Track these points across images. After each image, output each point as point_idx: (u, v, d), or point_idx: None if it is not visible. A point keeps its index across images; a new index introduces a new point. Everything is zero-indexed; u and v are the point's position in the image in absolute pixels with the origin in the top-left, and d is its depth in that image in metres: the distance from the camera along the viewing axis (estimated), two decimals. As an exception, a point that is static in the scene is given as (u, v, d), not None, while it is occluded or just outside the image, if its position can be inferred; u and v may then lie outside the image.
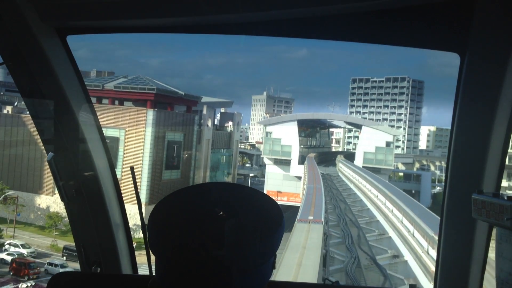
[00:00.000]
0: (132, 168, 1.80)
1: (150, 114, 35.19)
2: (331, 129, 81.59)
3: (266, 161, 55.11)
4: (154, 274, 0.92)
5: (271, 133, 54.46)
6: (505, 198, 1.23)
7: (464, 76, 1.44)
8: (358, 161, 51.92)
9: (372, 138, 49.94)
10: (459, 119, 1.49)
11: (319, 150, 70.13)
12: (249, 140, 74.04)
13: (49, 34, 1.66)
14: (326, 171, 52.73)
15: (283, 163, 53.23)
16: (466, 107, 1.48)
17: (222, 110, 53.17)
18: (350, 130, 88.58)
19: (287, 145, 53.16)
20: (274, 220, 0.88)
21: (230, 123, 50.40)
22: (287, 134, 53.09)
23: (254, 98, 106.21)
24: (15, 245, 27.30)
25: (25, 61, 1.67)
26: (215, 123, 50.50)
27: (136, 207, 1.72)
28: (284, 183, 48.73)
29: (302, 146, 57.77)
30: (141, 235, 1.65)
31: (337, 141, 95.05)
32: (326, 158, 66.41)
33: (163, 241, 0.85)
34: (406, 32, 1.52)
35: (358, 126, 59.24)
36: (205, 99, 45.52)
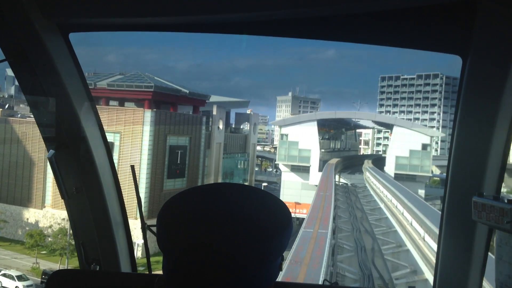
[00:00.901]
0: (132, 167, 2.08)
1: (148, 116, 34.84)
2: (359, 130, 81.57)
3: (281, 167, 55.16)
4: (153, 272, 1.08)
5: (286, 135, 54.29)
6: (506, 201, 1.41)
7: (466, 79, 1.63)
8: (389, 167, 51.19)
9: (406, 140, 48.39)
10: (460, 122, 1.69)
11: (345, 153, 69.92)
12: (274, 143, 76.49)
13: (51, 31, 1.86)
14: (352, 179, 52.23)
15: (301, 170, 53.07)
16: (468, 110, 1.67)
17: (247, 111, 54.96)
18: (379, 131, 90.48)
19: (305, 149, 52.97)
20: (282, 221, 0.99)
21: (247, 125, 51.16)
22: (306, 137, 53.05)
23: (279, 99, 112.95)
24: (10, 277, 25.28)
25: (27, 58, 1.88)
26: (230, 124, 51.40)
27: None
28: (302, 193, 48.07)
29: (323, 150, 57.41)
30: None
31: (366, 143, 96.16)
32: (353, 162, 65.61)
33: (172, 239, 0.96)
34: (407, 33, 1.72)
35: (388, 126, 58.51)
36: (214, 98, 45.85)
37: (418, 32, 1.70)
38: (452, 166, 1.75)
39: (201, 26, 1.89)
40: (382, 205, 33.48)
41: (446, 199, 1.80)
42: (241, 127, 52.09)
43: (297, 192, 50.37)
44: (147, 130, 34.53)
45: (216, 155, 42.70)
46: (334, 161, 54.00)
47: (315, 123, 53.77)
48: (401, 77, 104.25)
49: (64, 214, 30.58)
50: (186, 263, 0.94)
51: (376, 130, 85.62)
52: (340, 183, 50.42)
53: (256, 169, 62.47)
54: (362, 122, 68.72)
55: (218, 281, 0.92)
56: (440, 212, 1.65)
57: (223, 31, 1.89)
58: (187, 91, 39.49)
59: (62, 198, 2.12)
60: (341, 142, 70.23)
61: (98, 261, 2.20)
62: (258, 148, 72.16)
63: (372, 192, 39.28)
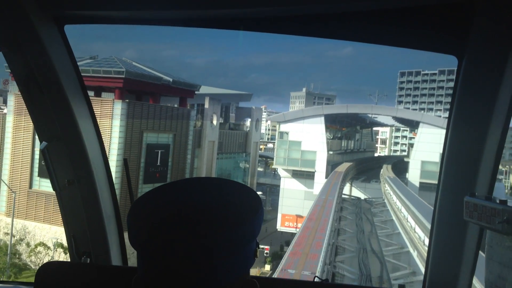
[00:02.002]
0: (125, 160, 2.55)
1: (118, 108, 33.48)
2: (375, 128, 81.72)
3: (281, 172, 55.07)
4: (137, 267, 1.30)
5: (287, 133, 54.07)
6: (497, 201, 1.72)
7: (461, 79, 1.99)
8: (414, 174, 50.50)
9: (434, 141, 43.94)
10: (454, 122, 2.05)
11: (359, 155, 69.26)
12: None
13: (47, 23, 2.21)
14: (366, 189, 51.19)
15: (305, 176, 52.78)
16: (462, 110, 2.02)
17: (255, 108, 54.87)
18: (397, 129, 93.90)
19: (309, 150, 52.69)
20: (251, 207, 1.20)
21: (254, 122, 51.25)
22: (310, 135, 52.72)
23: (293, 95, 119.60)
24: None
25: (22, 49, 2.23)
26: (230, 120, 51.60)
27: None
28: (306, 204, 46.85)
29: (332, 151, 56.83)
30: None
31: (383, 142, 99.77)
32: (369, 166, 64.77)
33: (140, 234, 1.15)
34: (404, 33, 2.07)
35: (413, 124, 57.39)
36: (207, 89, 45.70)
37: (415, 32, 2.04)
38: (445, 166, 2.11)
39: (201, 21, 2.25)
40: (408, 244, 26.20)
41: (438, 198, 2.18)
42: (242, 123, 52.29)
43: (299, 203, 49.83)
44: (116, 125, 33.52)
45: (208, 155, 42.45)
46: (344, 167, 52.73)
47: (322, 119, 53.42)
48: (422, 72, 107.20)
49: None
50: (155, 256, 1.13)
51: (394, 128, 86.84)
52: (351, 197, 48.98)
53: (260, 169, 63.12)
54: (380, 119, 67.97)
55: (189, 270, 1.11)
56: None
57: (224, 26, 2.25)
58: (170, 80, 38.45)
59: (54, 190, 2.52)
60: (355, 142, 69.38)
61: (89, 254, 2.58)
62: (270, 145, 73.70)
63: (393, 217, 33.00)
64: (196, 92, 42.05)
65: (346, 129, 64.48)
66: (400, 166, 61.41)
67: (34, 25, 2.14)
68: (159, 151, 36.69)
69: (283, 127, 54.42)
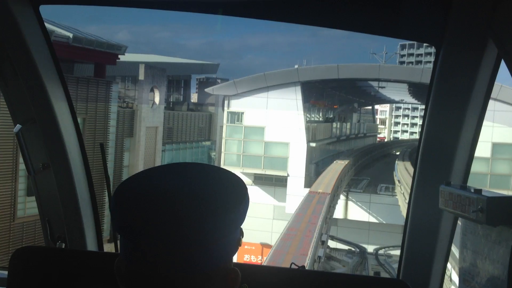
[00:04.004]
0: (101, 145, 3.58)
1: None
2: (377, 106, 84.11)
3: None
4: (119, 252, 1.70)
5: (241, 115, 50.61)
6: (472, 190, 2.43)
7: (439, 68, 2.87)
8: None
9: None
10: (431, 111, 2.95)
11: (358, 143, 67.65)
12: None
13: (21, 3, 3.05)
14: (373, 208, 46.45)
15: (274, 182, 49.50)
16: (439, 99, 2.91)
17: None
18: (398, 107, 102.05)
19: (278, 142, 49.08)
20: (236, 195, 1.62)
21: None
22: (279, 117, 48.68)
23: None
24: None
25: None
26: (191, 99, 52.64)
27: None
28: (276, 226, 43.86)
29: (317, 141, 52.55)
30: None
31: (382, 122, 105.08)
32: (372, 158, 62.87)
33: (123, 218, 1.55)
34: (382, 21, 2.98)
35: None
36: (145, 57, 46.32)
37: (393, 20, 2.94)
38: (421, 154, 3.03)
39: (179, 4, 3.14)
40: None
41: (414, 186, 3.11)
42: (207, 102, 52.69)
43: (264, 225, 45.07)
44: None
45: (147, 147, 41.21)
46: (333, 172, 47.41)
47: (298, 90, 49.14)
48: (425, 44, 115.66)
49: None
50: (138, 240, 1.54)
51: (394, 105, 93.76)
52: (349, 246, 44.46)
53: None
54: (387, 92, 62.61)
55: (173, 256, 1.52)
56: None
57: (204, 10, 3.15)
58: (70, 35, 34.06)
59: (29, 173, 3.47)
60: (352, 124, 66.83)
61: (64, 238, 3.52)
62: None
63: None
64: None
65: (339, 107, 62.22)
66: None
67: (8, 5, 2.97)
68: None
69: (235, 105, 51.06)
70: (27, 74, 3.21)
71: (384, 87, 57.26)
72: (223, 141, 51.91)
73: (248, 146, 50.49)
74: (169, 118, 46.39)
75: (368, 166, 59.66)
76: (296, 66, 50.07)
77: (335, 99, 59.62)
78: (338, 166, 50.10)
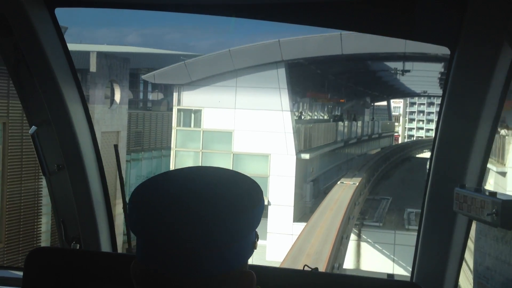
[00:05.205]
0: (115, 146, 4.91)
1: None
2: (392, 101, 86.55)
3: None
4: (134, 253, 2.22)
5: (197, 114, 48.50)
6: (487, 193, 3.16)
7: (454, 70, 3.69)
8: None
9: None
10: (445, 113, 3.83)
11: (372, 145, 71.43)
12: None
13: (37, 5, 4.11)
14: (403, 256, 37.88)
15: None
16: (454, 102, 3.77)
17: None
18: (413, 103, 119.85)
19: (254, 154, 46.19)
20: (251, 199, 2.14)
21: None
22: (255, 116, 45.55)
23: None
24: None
25: (11, 32, 4.17)
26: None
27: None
28: None
29: (312, 151, 49.99)
30: None
31: (396, 119, 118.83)
32: (392, 164, 64.76)
33: (140, 220, 2.06)
34: (396, 23, 3.93)
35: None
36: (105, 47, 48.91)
37: (407, 22, 3.92)
38: (436, 157, 4.03)
39: (192, 7, 4.34)
40: None
41: (428, 189, 4.12)
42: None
43: None
44: None
45: (104, 157, 39.80)
46: (332, 218, 39.13)
47: (281, 74, 45.89)
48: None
49: None
50: (153, 243, 2.04)
51: (408, 101, 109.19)
52: None
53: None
54: (410, 80, 61.28)
55: (187, 260, 2.00)
56: None
57: (217, 12, 4.26)
58: None
59: (44, 175, 4.71)
60: (363, 124, 69.11)
61: (78, 239, 4.84)
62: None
63: None
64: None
65: (347, 102, 64.30)
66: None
67: (24, 7, 4.03)
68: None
69: (188, 99, 48.71)
70: (42, 76, 4.34)
71: (409, 71, 54.50)
72: (172, 153, 49.64)
73: (209, 159, 46.99)
74: (138, 120, 49.21)
75: (387, 176, 60.73)
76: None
77: (341, 91, 60.39)
78: (344, 191, 46.05)
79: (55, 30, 4.27)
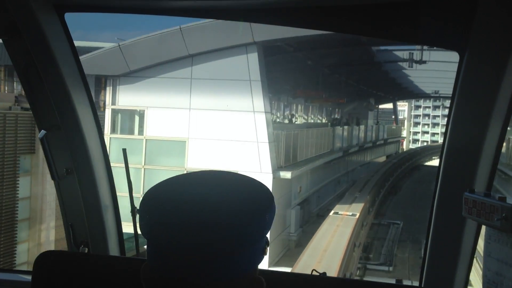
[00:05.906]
0: (124, 150, 6.08)
1: None
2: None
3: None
4: (143, 257, 3.56)
5: (138, 117, 45.28)
6: (496, 198, 3.89)
7: (463, 74, 4.59)
8: None
9: None
10: (454, 117, 4.78)
11: (375, 153, 75.41)
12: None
13: (47, 10, 5.23)
14: None
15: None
16: (463, 106, 4.72)
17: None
18: (418, 106, 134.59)
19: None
20: (261, 204, 2.51)
21: None
22: (216, 120, 41.87)
23: None
24: None
25: (21, 36, 5.27)
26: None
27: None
28: None
29: (298, 167, 46.48)
30: None
31: (400, 123, 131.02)
32: (398, 185, 66.15)
33: (151, 225, 2.44)
34: (405, 27, 4.98)
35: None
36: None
37: (416, 26, 4.81)
38: (445, 161, 4.89)
39: (199, 11, 5.28)
40: None
41: (437, 194, 5.01)
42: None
43: None
44: None
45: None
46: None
47: (253, 60, 42.06)
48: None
49: None
50: (163, 247, 2.40)
51: (413, 103, 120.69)
52: None
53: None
54: (422, 77, 63.61)
55: (198, 265, 2.36)
56: None
57: (224, 17, 5.19)
58: None
59: (53, 179, 5.75)
60: (366, 128, 70.97)
61: (87, 243, 5.90)
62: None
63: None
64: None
65: (347, 103, 66.88)
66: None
67: (34, 13, 4.97)
68: None
69: (126, 96, 45.04)
70: (52, 81, 5.53)
71: (425, 62, 56.25)
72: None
73: (154, 178, 38.40)
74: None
75: (394, 191, 62.46)
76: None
77: (340, 89, 61.50)
78: (338, 229, 43.08)
79: (65, 35, 5.41)
